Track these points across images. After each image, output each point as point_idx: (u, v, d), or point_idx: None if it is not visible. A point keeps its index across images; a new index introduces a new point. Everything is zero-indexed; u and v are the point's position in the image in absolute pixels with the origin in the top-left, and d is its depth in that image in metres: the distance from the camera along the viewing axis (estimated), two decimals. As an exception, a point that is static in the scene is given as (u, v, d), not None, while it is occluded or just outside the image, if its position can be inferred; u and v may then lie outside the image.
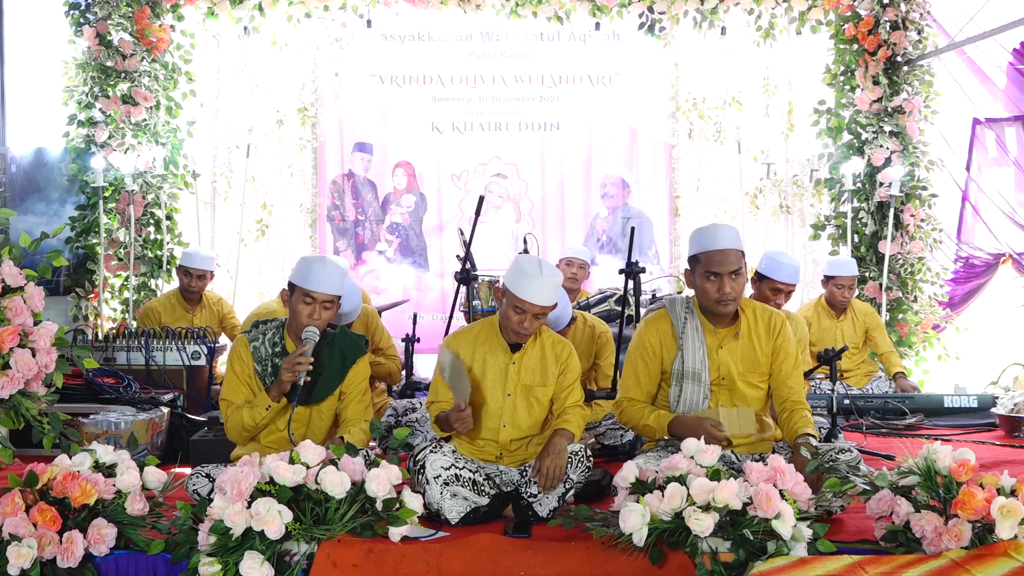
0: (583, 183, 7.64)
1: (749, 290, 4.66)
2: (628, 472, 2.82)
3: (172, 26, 6.86)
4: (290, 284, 3.38)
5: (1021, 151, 6.95)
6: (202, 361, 5.15)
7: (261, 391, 3.34)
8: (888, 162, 6.66)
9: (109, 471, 2.81)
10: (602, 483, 3.48)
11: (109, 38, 6.61)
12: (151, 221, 6.76)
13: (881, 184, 6.66)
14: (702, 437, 2.85)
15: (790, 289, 4.45)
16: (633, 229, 4.48)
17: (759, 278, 4.49)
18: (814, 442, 3.16)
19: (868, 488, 2.84)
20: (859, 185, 6.77)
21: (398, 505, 2.71)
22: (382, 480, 2.70)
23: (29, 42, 6.94)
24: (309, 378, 3.29)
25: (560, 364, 3.40)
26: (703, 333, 3.30)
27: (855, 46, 6.80)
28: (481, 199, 4.86)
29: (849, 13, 6.83)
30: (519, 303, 3.25)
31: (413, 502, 2.74)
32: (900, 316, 6.70)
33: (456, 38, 7.54)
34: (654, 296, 5.72)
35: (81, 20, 6.67)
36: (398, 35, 7.52)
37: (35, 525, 2.62)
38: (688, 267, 3.32)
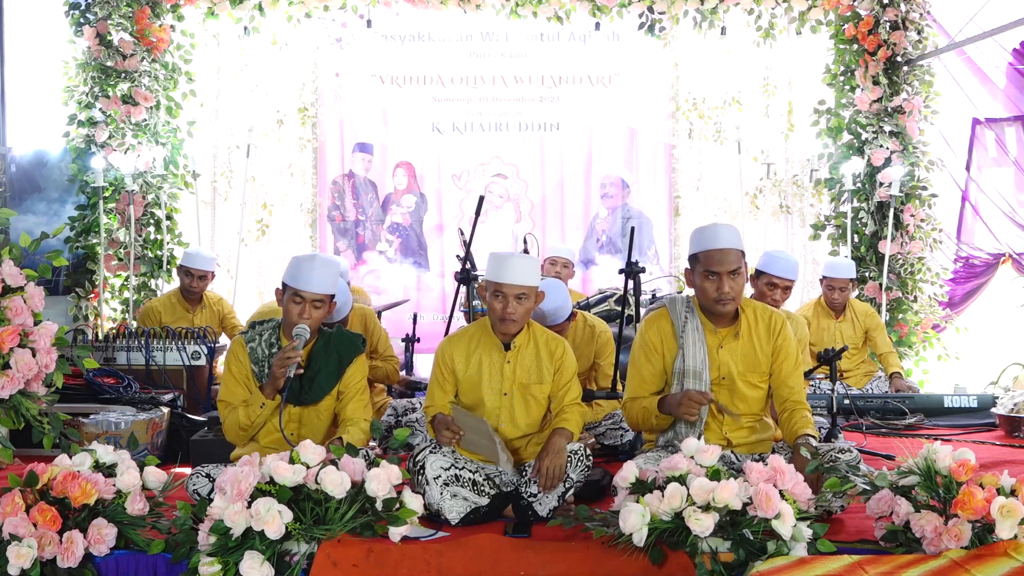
0: (583, 183, 7.64)
1: (749, 290, 4.68)
2: (628, 472, 2.82)
3: (172, 26, 6.87)
4: (283, 283, 3.38)
5: (1021, 151, 6.95)
6: (202, 361, 5.15)
7: (256, 390, 3.34)
8: (888, 162, 6.66)
9: (109, 471, 2.80)
10: (602, 483, 3.48)
11: (109, 38, 6.62)
12: (151, 221, 6.76)
13: (881, 184, 6.66)
14: (701, 438, 2.85)
15: (786, 284, 4.45)
16: (633, 229, 4.48)
17: (757, 274, 4.50)
18: (814, 442, 3.16)
19: (868, 488, 2.84)
20: (859, 185, 6.77)
21: (398, 505, 2.71)
22: (382, 480, 2.70)
23: (29, 42, 6.93)
24: (302, 370, 3.30)
25: (555, 361, 3.39)
26: (703, 332, 3.30)
27: (855, 46, 6.80)
28: (481, 199, 4.86)
29: (849, 13, 6.83)
30: (497, 287, 3.27)
31: (413, 502, 2.74)
32: (900, 316, 6.70)
33: (456, 38, 7.55)
34: (654, 296, 5.72)
35: (81, 20, 6.67)
36: (398, 35, 7.52)
37: (35, 525, 2.62)
38: (688, 266, 3.33)
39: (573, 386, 3.42)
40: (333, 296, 3.41)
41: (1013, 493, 2.63)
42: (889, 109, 6.72)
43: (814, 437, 3.19)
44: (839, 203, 6.92)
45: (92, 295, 6.63)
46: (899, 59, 6.75)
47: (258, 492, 2.61)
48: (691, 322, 3.31)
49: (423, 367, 5.68)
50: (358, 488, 2.69)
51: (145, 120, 6.68)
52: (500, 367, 3.37)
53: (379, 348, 4.84)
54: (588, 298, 5.64)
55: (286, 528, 2.56)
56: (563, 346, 3.43)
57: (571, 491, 3.23)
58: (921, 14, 6.75)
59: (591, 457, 3.32)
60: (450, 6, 7.00)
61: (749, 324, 3.32)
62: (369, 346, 4.61)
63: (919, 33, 6.78)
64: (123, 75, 6.62)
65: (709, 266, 3.20)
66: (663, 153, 7.59)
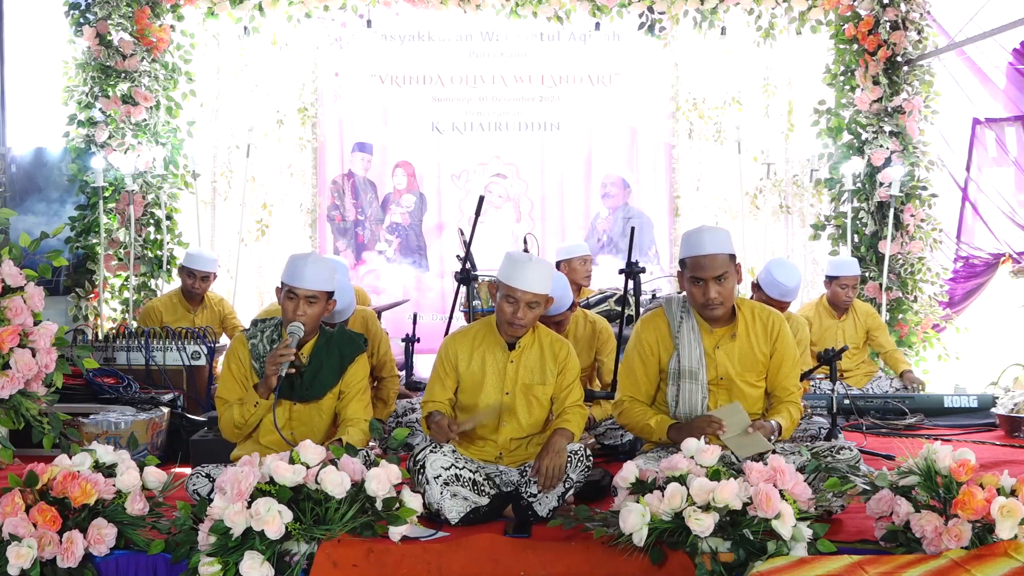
0: (583, 183, 7.63)
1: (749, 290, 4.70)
2: (628, 472, 2.82)
3: (172, 26, 6.86)
4: (280, 283, 3.39)
5: (1021, 151, 6.95)
6: (202, 361, 5.15)
7: (251, 389, 3.35)
8: (888, 162, 6.66)
9: (109, 471, 2.80)
10: (602, 483, 3.48)
11: (109, 38, 6.61)
12: (151, 221, 6.76)
13: (881, 184, 6.66)
14: (702, 438, 2.84)
15: (782, 305, 4.60)
16: (633, 229, 4.48)
17: (756, 286, 4.60)
18: (778, 425, 3.18)
19: (868, 488, 2.84)
20: (859, 185, 6.77)
21: (398, 505, 2.72)
22: (382, 480, 2.70)
23: (29, 42, 6.93)
24: (293, 370, 3.30)
25: (559, 364, 3.40)
26: (699, 333, 3.30)
27: (855, 46, 6.80)
28: (481, 199, 4.86)
29: (849, 13, 6.83)
30: (511, 292, 3.26)
31: (413, 502, 2.74)
32: (900, 316, 6.70)
33: (456, 38, 7.54)
34: (654, 296, 5.71)
35: (81, 20, 6.67)
36: (398, 35, 7.52)
37: (35, 525, 2.62)
38: (679, 269, 3.33)
39: (575, 388, 3.42)
40: (331, 294, 3.41)
41: (1013, 493, 2.63)
42: (889, 109, 6.72)
43: (783, 425, 3.21)
44: (839, 203, 6.92)
45: (92, 295, 6.62)
46: (899, 59, 6.75)
47: (258, 492, 2.61)
48: (687, 322, 3.31)
49: (423, 367, 5.68)
50: (358, 488, 2.69)
51: (145, 120, 6.68)
52: (503, 367, 3.37)
53: (381, 351, 4.78)
54: (588, 298, 5.64)
55: (286, 528, 2.56)
56: (567, 348, 3.44)
57: (571, 491, 3.23)
58: (921, 14, 6.75)
59: (591, 457, 3.32)
60: (450, 6, 7.00)
61: (746, 324, 3.32)
62: (368, 349, 4.58)
63: (919, 33, 6.78)
64: (123, 75, 6.62)
65: (695, 272, 3.20)
66: (663, 153, 7.59)
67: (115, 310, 6.71)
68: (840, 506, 3.15)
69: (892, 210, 6.62)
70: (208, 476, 3.29)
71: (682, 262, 3.28)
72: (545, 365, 3.39)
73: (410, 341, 5.19)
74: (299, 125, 7.38)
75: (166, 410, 4.46)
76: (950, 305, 6.92)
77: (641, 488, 2.75)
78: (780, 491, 2.61)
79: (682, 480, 2.67)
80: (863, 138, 6.78)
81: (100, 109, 6.60)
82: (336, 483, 2.64)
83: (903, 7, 6.71)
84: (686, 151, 7.50)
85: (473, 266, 4.84)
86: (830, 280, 5.74)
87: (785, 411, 3.28)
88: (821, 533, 2.63)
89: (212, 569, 2.55)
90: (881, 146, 6.67)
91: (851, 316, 5.77)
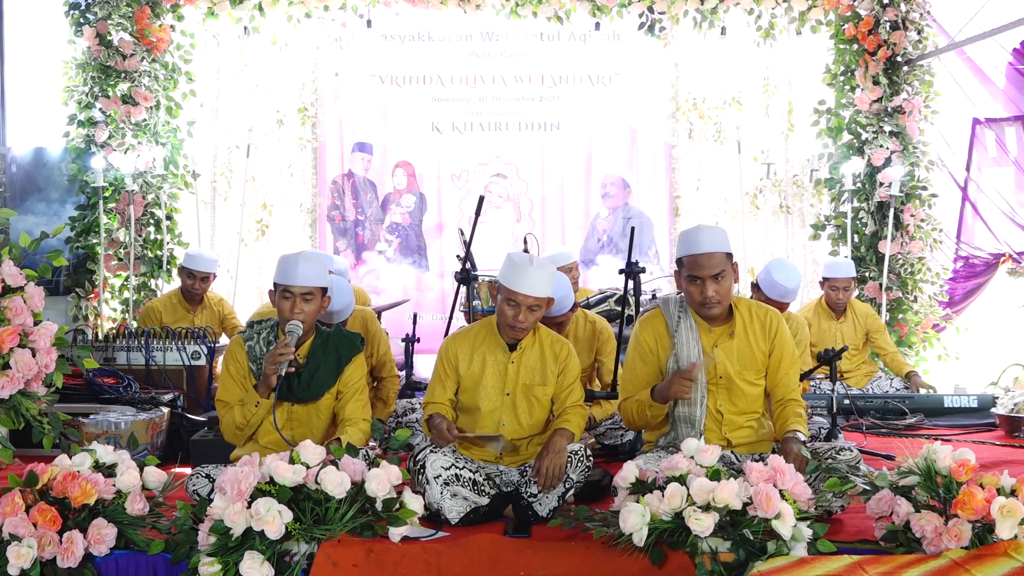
0: (583, 183, 7.64)
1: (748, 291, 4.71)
2: (628, 472, 2.82)
3: (172, 26, 6.86)
4: (273, 284, 3.39)
5: (1021, 151, 6.95)
6: (202, 361, 5.15)
7: (251, 390, 3.35)
8: (888, 162, 6.66)
9: (109, 471, 2.80)
10: (602, 483, 3.48)
11: (109, 38, 6.62)
12: (151, 221, 6.76)
13: (881, 184, 6.66)
14: (702, 438, 2.84)
15: (781, 306, 4.62)
16: (633, 229, 4.48)
17: (756, 286, 4.61)
18: (802, 437, 3.16)
19: (868, 488, 2.84)
20: (859, 185, 6.77)
21: (398, 505, 2.71)
22: (382, 480, 2.70)
23: (29, 42, 6.94)
24: (293, 369, 3.30)
25: (559, 364, 3.40)
26: (697, 332, 3.30)
27: (855, 46, 6.80)
28: (481, 199, 4.86)
29: (849, 13, 6.83)
30: (512, 296, 3.26)
31: (413, 502, 2.74)
32: (900, 316, 6.70)
33: (456, 38, 7.55)
34: (654, 296, 5.71)
35: (81, 20, 6.67)
36: (398, 35, 7.52)
37: (35, 525, 2.62)
38: (676, 269, 3.33)
39: (576, 388, 3.42)
40: (325, 290, 3.40)
41: (1013, 493, 2.63)
42: (889, 109, 6.72)
43: (803, 433, 3.19)
44: (839, 203, 6.92)
45: (92, 295, 6.62)
46: (899, 59, 6.75)
47: (258, 492, 2.61)
48: (684, 321, 3.31)
49: (423, 367, 5.68)
50: (358, 488, 2.69)
51: (145, 120, 6.68)
52: (504, 367, 3.37)
53: (380, 351, 4.77)
54: (588, 298, 5.64)
55: (286, 528, 2.56)
56: (567, 348, 3.44)
57: (571, 491, 3.23)
58: (921, 14, 6.75)
59: (591, 457, 3.32)
60: (450, 6, 7.00)
61: (744, 322, 3.32)
62: (368, 349, 4.59)
63: (919, 33, 6.78)
64: (123, 75, 6.62)
65: (693, 271, 3.19)
66: (663, 153, 7.59)
67: (115, 310, 6.71)
68: (840, 506, 3.15)
69: (892, 210, 6.62)
70: (208, 476, 3.29)
71: (679, 261, 3.28)
72: (546, 365, 3.39)
73: (410, 341, 5.19)
74: (299, 125, 7.39)
75: (166, 410, 4.46)
76: (950, 305, 6.92)
77: (641, 488, 2.75)
78: (780, 491, 2.61)
79: (682, 480, 2.67)
80: (863, 138, 6.78)
81: (100, 109, 6.61)
82: (336, 483, 2.64)
83: (903, 7, 6.71)
84: (686, 151, 7.50)
85: (473, 266, 4.84)
86: (823, 282, 5.74)
87: (794, 415, 3.26)
88: (821, 533, 2.63)
89: (212, 569, 2.55)
90: (881, 146, 6.67)
91: (850, 317, 5.77)
